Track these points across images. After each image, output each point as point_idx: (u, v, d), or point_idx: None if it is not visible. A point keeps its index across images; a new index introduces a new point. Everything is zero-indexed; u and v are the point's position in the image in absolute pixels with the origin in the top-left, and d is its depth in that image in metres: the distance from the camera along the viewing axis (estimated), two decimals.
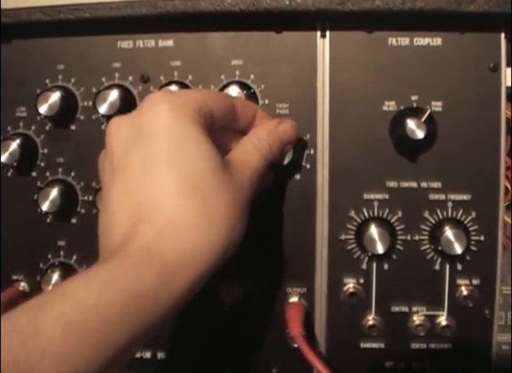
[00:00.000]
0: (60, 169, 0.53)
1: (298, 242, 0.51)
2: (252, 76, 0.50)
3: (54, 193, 0.51)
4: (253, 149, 0.41)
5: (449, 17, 0.47)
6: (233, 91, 0.49)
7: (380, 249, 0.48)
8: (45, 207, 0.51)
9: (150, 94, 0.39)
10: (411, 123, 0.47)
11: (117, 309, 0.31)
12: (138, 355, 0.53)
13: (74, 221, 0.53)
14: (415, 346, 0.51)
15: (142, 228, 0.34)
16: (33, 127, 0.53)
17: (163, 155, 0.36)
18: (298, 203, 0.50)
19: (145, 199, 0.35)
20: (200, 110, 0.38)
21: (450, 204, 0.49)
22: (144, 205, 0.35)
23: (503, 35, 0.48)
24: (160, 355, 0.53)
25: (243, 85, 0.49)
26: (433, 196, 0.49)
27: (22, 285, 0.54)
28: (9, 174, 0.54)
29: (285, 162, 0.48)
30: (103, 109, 0.49)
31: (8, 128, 0.53)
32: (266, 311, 0.51)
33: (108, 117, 0.50)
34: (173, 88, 0.49)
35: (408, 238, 0.50)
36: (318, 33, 0.50)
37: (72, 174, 0.53)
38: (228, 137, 0.44)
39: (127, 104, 0.50)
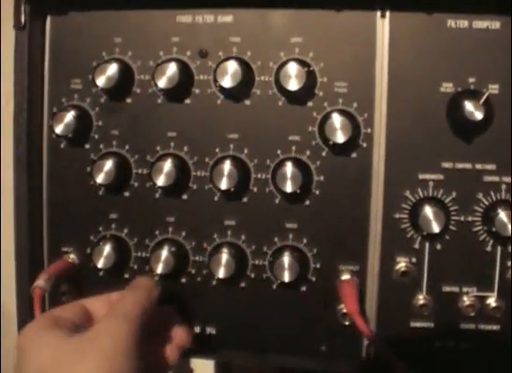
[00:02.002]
0: (114, 142, 0.53)
1: (352, 219, 0.51)
2: (311, 54, 0.50)
3: (109, 165, 0.51)
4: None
5: (508, 1, 0.48)
6: (292, 68, 0.49)
7: (435, 228, 0.48)
8: (100, 179, 0.51)
9: None
10: (469, 105, 0.47)
11: None
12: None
13: (127, 194, 0.53)
14: (464, 326, 0.51)
15: None
16: (87, 100, 0.53)
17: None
18: (354, 181, 0.51)
19: None
20: None
21: (503, 187, 0.50)
22: None
23: None
24: (209, 330, 0.53)
25: (302, 63, 0.49)
26: (487, 178, 0.50)
27: (72, 257, 0.54)
28: (62, 145, 0.54)
29: (342, 140, 0.48)
30: (162, 82, 0.50)
31: (63, 100, 0.53)
32: (317, 288, 0.52)
33: (166, 91, 0.50)
34: (232, 63, 0.49)
35: (462, 219, 0.50)
36: (378, 13, 0.50)
37: (127, 147, 0.53)
38: None
39: (185, 78, 0.50)
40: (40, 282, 0.49)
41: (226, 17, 0.51)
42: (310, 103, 0.51)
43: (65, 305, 0.46)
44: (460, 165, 0.50)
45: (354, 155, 0.51)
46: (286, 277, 0.49)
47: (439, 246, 0.50)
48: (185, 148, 0.52)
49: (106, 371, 0.37)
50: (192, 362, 0.73)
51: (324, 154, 0.51)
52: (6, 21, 0.58)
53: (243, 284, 0.52)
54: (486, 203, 0.50)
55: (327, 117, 0.49)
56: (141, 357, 0.40)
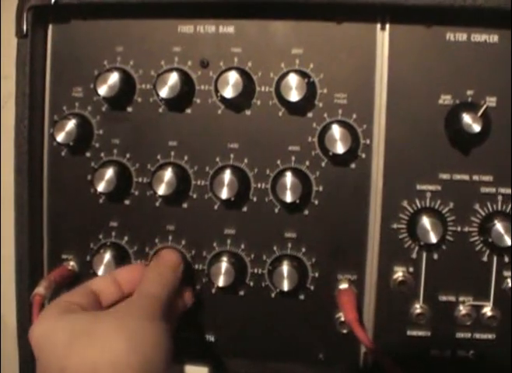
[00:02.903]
0: (115, 151, 0.53)
1: (351, 229, 0.51)
2: (312, 65, 0.51)
3: (110, 173, 0.51)
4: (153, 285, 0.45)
5: (507, 15, 0.49)
6: (293, 79, 0.49)
7: (433, 238, 0.49)
8: (100, 187, 0.51)
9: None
10: (467, 118, 0.48)
11: None
12: (185, 337, 0.54)
13: (127, 202, 0.53)
14: (460, 335, 0.52)
15: None
16: (89, 108, 0.53)
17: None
18: (352, 191, 0.51)
19: None
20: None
21: (500, 198, 0.50)
22: None
23: None
24: (208, 337, 0.54)
25: (303, 74, 0.50)
26: (484, 190, 0.50)
27: (72, 264, 0.54)
28: (63, 154, 0.54)
29: (342, 151, 0.49)
30: (163, 92, 0.50)
31: (64, 108, 0.54)
32: (316, 296, 0.52)
33: (167, 101, 0.51)
34: (233, 74, 0.50)
35: (459, 229, 0.51)
36: (378, 26, 0.51)
37: (127, 156, 0.53)
38: None
39: (186, 88, 0.51)
40: (40, 289, 0.50)
41: (228, 28, 0.52)
42: (310, 114, 0.51)
43: (71, 290, 0.46)
44: (457, 177, 0.51)
45: (353, 165, 0.51)
46: (285, 286, 0.50)
47: (436, 256, 0.51)
48: (186, 157, 0.52)
49: (133, 348, 0.38)
50: (186, 370, 0.73)
51: (323, 164, 0.51)
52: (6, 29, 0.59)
53: (242, 293, 0.53)
54: (483, 213, 0.50)
55: (327, 128, 0.50)
56: (165, 333, 0.41)
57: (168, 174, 0.51)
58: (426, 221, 0.49)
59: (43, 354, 0.39)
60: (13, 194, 0.53)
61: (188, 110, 0.52)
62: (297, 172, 0.50)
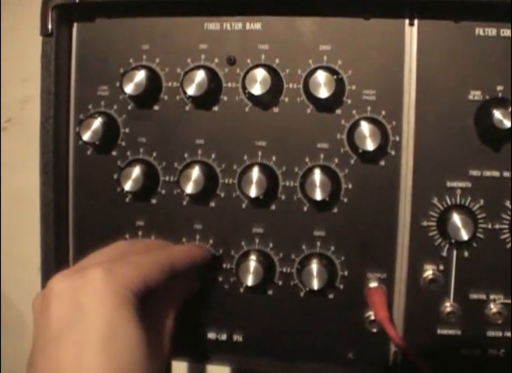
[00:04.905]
0: (141, 149, 0.53)
1: (380, 227, 0.51)
2: (340, 62, 0.50)
3: (137, 172, 0.51)
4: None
5: None
6: (321, 76, 0.49)
7: (464, 235, 0.48)
8: (127, 186, 0.51)
9: (91, 269, 0.41)
10: (497, 113, 0.47)
11: None
12: (213, 337, 0.53)
13: (154, 201, 0.53)
14: (491, 333, 0.51)
15: None
16: (114, 106, 0.53)
17: (95, 339, 0.37)
18: (381, 189, 0.51)
19: None
20: (137, 291, 0.41)
21: None
22: None
23: None
24: (236, 337, 0.53)
25: (331, 71, 0.49)
26: None
27: None
28: (89, 152, 0.54)
29: (371, 148, 0.48)
30: (191, 90, 0.50)
31: (89, 107, 0.53)
32: (345, 295, 0.52)
33: (195, 98, 0.50)
34: (261, 71, 0.49)
35: (489, 226, 0.50)
36: (406, 21, 0.50)
37: (154, 154, 0.53)
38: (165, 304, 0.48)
39: (214, 86, 0.50)
40: None
41: (255, 24, 0.51)
42: (338, 111, 0.51)
43: None
44: (487, 173, 0.50)
45: (382, 162, 0.51)
46: (315, 285, 0.49)
47: (466, 254, 0.51)
48: (213, 155, 0.52)
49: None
50: (207, 369, 0.73)
51: (352, 162, 0.51)
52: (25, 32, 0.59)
53: (270, 292, 0.53)
54: None
55: (356, 125, 0.49)
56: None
57: (195, 172, 0.50)
58: (456, 218, 0.49)
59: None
60: (39, 194, 0.53)
61: (215, 108, 0.52)
62: (326, 170, 0.50)
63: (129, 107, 0.53)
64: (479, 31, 0.50)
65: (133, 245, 0.48)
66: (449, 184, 0.50)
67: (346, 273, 0.52)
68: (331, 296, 0.52)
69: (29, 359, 0.40)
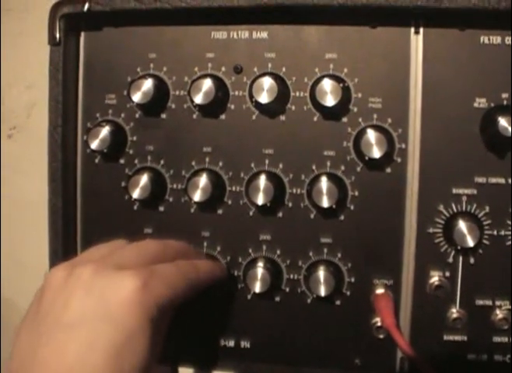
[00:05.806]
0: (149, 157, 0.53)
1: (386, 234, 0.51)
2: (346, 70, 0.51)
3: (145, 180, 0.51)
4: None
5: None
6: (327, 84, 0.49)
7: (470, 242, 0.49)
8: (135, 194, 0.51)
9: (128, 275, 0.40)
10: (502, 121, 0.48)
11: None
12: (221, 343, 0.54)
13: (161, 209, 0.53)
14: (497, 339, 0.51)
15: None
16: (122, 115, 0.53)
17: (110, 342, 0.37)
18: (388, 196, 0.51)
19: None
20: (163, 308, 0.41)
21: None
22: None
23: None
24: (244, 344, 0.54)
25: (337, 79, 0.50)
26: None
27: None
28: (97, 161, 0.54)
29: (378, 155, 0.49)
30: (198, 98, 0.50)
31: (97, 115, 0.54)
32: (352, 301, 0.52)
33: (202, 107, 0.51)
34: (268, 79, 0.50)
35: (495, 233, 0.50)
36: (412, 30, 0.51)
37: (162, 162, 0.53)
38: None
39: (221, 94, 0.51)
40: None
41: (261, 33, 0.52)
42: (344, 119, 0.51)
43: None
44: (493, 180, 0.50)
45: (388, 170, 0.51)
46: (323, 291, 0.50)
47: (472, 260, 0.51)
48: (220, 163, 0.52)
49: None
50: None
51: (358, 169, 0.51)
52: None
53: (277, 298, 0.53)
54: None
55: (362, 133, 0.50)
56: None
57: (203, 180, 0.51)
58: (462, 224, 0.49)
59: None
60: (47, 202, 0.53)
61: (222, 116, 0.52)
62: (333, 177, 0.50)
63: (137, 115, 0.53)
64: (484, 39, 0.50)
65: (164, 248, 0.48)
66: (455, 191, 0.51)
67: (353, 279, 0.52)
68: (338, 302, 0.52)
69: (21, 326, 0.40)
